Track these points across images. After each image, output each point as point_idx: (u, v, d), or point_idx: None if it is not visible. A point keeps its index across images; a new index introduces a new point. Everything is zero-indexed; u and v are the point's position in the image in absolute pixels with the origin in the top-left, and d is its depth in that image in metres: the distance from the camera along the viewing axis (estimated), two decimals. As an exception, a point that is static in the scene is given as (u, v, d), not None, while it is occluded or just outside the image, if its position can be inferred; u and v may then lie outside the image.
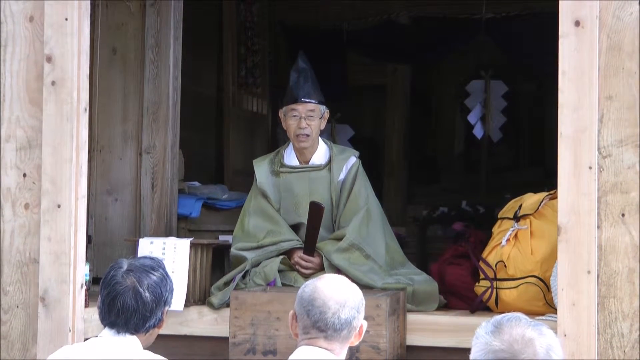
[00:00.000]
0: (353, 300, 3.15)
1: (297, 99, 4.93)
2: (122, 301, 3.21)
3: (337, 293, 3.12)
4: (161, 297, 3.26)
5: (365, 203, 4.92)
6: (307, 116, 4.92)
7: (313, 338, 3.08)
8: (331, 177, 4.97)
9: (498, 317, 2.58)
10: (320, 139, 5.05)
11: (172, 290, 3.33)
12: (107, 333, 3.26)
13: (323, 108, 4.98)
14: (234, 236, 5.00)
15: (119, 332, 3.24)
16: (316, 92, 4.96)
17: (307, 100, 4.93)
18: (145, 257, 3.40)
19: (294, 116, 4.94)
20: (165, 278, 3.31)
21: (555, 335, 2.56)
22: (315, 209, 4.81)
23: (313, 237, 4.83)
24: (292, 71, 5.01)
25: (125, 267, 3.29)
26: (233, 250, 4.91)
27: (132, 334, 3.24)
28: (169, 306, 3.35)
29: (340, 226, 4.91)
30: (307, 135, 4.93)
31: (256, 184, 5.04)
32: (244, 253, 4.84)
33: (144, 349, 3.29)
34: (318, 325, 3.07)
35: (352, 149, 5.15)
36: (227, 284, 4.78)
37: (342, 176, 4.98)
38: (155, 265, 3.33)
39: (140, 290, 3.22)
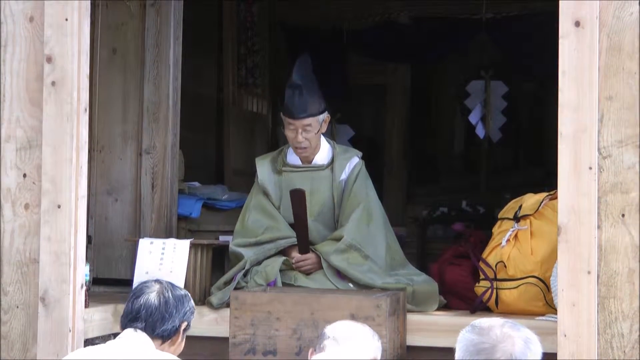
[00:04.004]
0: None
1: (293, 116, 4.89)
2: (145, 298, 3.40)
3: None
4: (182, 306, 3.44)
5: (363, 200, 4.91)
6: (304, 130, 4.90)
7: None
8: (333, 176, 4.97)
9: (476, 321, 2.72)
10: (323, 138, 5.04)
11: (193, 312, 3.51)
12: (125, 333, 3.37)
13: (322, 116, 4.94)
14: (234, 231, 5.02)
15: (136, 330, 3.35)
16: (313, 104, 4.89)
17: (303, 116, 4.89)
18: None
19: (291, 129, 4.92)
20: (189, 298, 3.51)
21: (532, 332, 2.68)
22: (297, 196, 4.80)
23: (303, 227, 4.82)
24: (287, 87, 4.95)
25: (155, 279, 3.55)
26: (231, 246, 4.92)
27: (149, 334, 3.35)
28: (189, 325, 3.48)
29: (341, 225, 4.91)
30: (305, 147, 4.93)
31: (257, 182, 5.04)
32: (242, 250, 4.84)
33: None
34: None
35: (355, 150, 5.13)
36: (226, 283, 4.78)
37: (344, 176, 4.98)
38: (183, 289, 3.55)
39: (165, 292, 3.43)
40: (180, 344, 3.45)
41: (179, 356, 3.42)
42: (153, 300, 3.39)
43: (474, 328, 2.68)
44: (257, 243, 4.88)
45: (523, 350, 2.61)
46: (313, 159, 5.01)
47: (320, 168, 5.00)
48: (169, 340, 3.39)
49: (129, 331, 3.36)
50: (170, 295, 3.42)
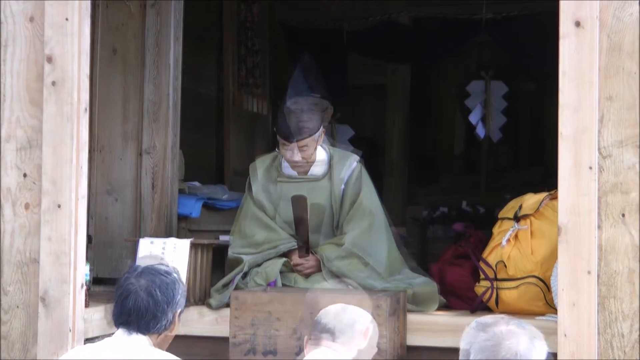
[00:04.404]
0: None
1: (288, 139, 4.85)
2: (134, 300, 3.27)
3: None
4: (172, 298, 3.31)
5: (370, 213, 4.88)
6: (300, 150, 4.86)
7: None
8: (331, 186, 4.93)
9: (481, 318, 2.69)
10: (319, 146, 4.97)
11: (184, 295, 3.39)
12: (120, 333, 3.31)
13: (318, 133, 4.89)
14: (231, 234, 5.00)
15: (130, 332, 3.28)
16: (308, 124, 4.85)
17: (298, 139, 4.85)
18: (160, 264, 3.44)
19: (287, 148, 4.88)
20: (177, 282, 3.36)
21: (537, 330, 2.66)
22: (299, 202, 4.78)
23: (304, 232, 4.82)
24: (282, 109, 4.92)
25: (139, 270, 3.36)
26: (231, 253, 4.90)
27: (143, 334, 3.28)
28: (182, 310, 3.38)
29: (343, 230, 4.88)
30: (301, 165, 4.91)
31: (251, 192, 5.01)
32: (242, 256, 4.84)
33: None
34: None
35: (353, 153, 5.07)
36: (225, 286, 4.77)
37: (343, 185, 4.93)
38: (170, 270, 3.39)
39: (152, 290, 3.28)
40: (177, 326, 3.38)
41: (176, 347, 3.38)
42: (142, 302, 3.26)
43: (479, 325, 2.66)
44: (257, 253, 4.87)
45: (528, 348, 2.59)
46: (309, 170, 4.98)
47: (316, 179, 4.97)
48: (166, 331, 3.33)
49: (123, 331, 3.31)
50: (158, 292, 3.27)
